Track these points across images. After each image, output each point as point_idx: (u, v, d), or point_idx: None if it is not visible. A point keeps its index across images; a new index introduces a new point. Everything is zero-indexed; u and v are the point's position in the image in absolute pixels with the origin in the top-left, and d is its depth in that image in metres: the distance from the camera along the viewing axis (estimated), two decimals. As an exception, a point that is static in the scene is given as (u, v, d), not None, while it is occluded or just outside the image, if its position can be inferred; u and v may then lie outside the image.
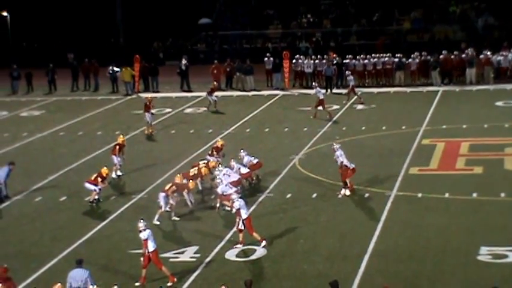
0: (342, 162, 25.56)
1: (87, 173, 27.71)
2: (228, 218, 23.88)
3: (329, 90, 44.42)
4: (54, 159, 32.23)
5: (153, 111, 36.17)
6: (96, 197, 25.90)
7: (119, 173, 29.05)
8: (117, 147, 29.27)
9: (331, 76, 45.18)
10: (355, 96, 41.26)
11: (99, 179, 25.92)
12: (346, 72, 43.79)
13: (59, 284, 16.85)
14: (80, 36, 60.05)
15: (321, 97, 37.59)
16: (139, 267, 19.98)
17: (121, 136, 30.24)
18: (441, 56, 45.45)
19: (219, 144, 28.94)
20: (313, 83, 41.91)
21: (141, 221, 19.84)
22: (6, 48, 61.28)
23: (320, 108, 37.31)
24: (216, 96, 41.19)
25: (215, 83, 43.63)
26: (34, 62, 52.51)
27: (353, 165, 25.68)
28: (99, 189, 25.89)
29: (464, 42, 49.89)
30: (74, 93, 48.42)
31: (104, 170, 26.18)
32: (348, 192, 25.47)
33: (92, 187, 25.88)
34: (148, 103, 35.73)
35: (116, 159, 28.96)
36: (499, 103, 39.25)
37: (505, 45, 47.16)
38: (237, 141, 32.80)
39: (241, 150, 27.38)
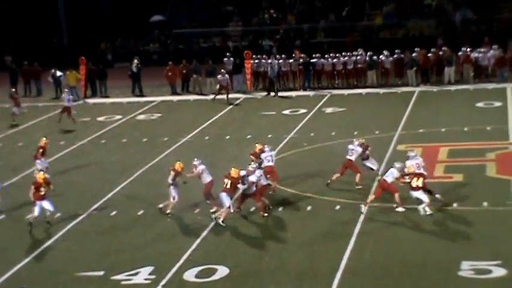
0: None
1: (28, 188, 27.44)
2: (184, 236, 23.91)
3: (272, 94, 45.04)
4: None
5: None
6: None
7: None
8: (41, 150, 29.69)
9: (272, 78, 45.45)
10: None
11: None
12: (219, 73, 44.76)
13: None
14: (19, 37, 59.63)
15: (67, 104, 39.24)
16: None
17: (44, 139, 30.43)
18: (415, 54, 45.71)
19: (257, 149, 28.27)
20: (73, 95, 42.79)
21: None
22: None
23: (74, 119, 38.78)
24: (21, 107, 40.60)
25: (13, 89, 42.66)
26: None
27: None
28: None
29: (441, 37, 50.32)
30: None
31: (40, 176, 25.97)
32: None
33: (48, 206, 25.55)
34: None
35: (41, 164, 29.18)
36: (480, 104, 39.67)
37: (486, 41, 47.61)
38: (194, 150, 32.76)
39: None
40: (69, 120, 40.10)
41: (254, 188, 25.26)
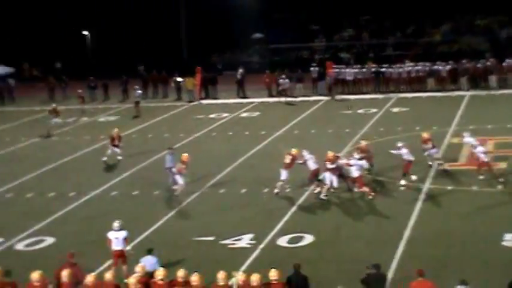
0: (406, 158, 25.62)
1: (156, 170, 27.92)
2: (278, 210, 23.95)
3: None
4: (128, 158, 32.44)
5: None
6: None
7: (119, 157, 31.25)
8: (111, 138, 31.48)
9: (330, 85, 45.38)
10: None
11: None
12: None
13: (93, 274, 16.67)
14: (149, 51, 60.57)
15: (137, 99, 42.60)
16: (202, 253, 20.36)
17: (116, 129, 32.29)
18: (467, 65, 44.91)
19: (363, 145, 27.67)
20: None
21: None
22: (86, 62, 62.28)
23: None
24: (58, 119, 38.74)
25: (54, 105, 40.37)
26: (110, 74, 53.06)
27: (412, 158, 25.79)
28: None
29: (489, 51, 49.16)
30: (144, 100, 48.64)
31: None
32: (403, 182, 25.31)
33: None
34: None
35: (112, 150, 31.20)
36: (521, 105, 38.69)
37: (525, 54, 46.45)
38: (286, 142, 32.72)
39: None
40: (187, 117, 40.57)
41: (356, 174, 24.72)
